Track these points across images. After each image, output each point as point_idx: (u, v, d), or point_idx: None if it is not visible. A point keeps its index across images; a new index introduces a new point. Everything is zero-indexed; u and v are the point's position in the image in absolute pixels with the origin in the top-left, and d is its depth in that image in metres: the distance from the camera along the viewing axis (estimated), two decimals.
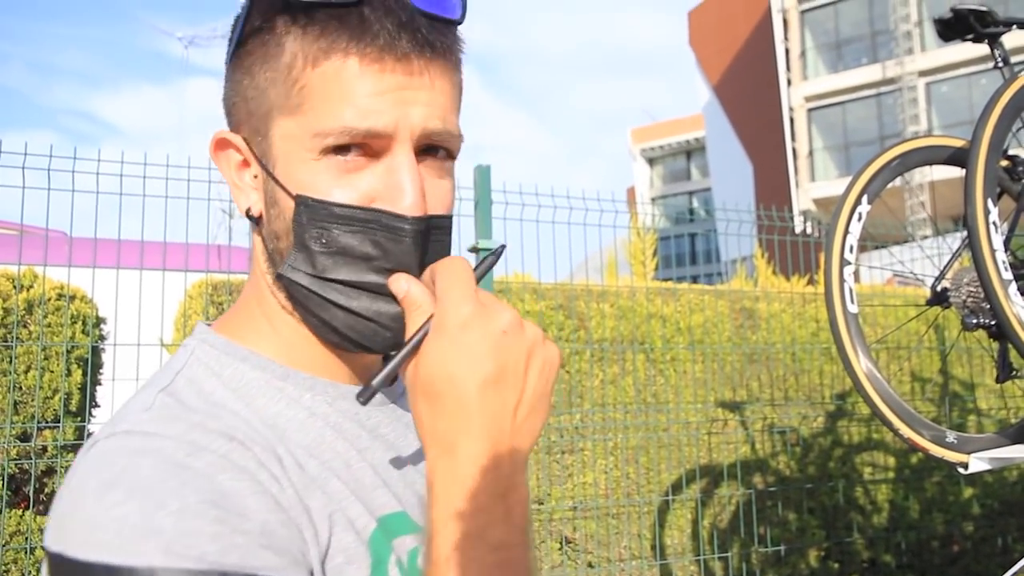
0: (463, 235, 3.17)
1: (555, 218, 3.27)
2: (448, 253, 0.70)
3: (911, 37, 22.54)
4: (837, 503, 3.98)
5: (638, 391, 3.69)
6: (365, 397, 0.62)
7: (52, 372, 2.78)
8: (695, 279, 31.57)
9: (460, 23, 0.69)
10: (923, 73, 22.44)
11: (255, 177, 0.69)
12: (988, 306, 1.93)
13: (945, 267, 2.19)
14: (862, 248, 2.22)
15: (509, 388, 0.59)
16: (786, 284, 4.71)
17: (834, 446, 4.06)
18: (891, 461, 4.19)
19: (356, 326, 0.66)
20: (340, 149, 0.64)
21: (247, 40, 0.67)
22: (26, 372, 2.75)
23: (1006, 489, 4.37)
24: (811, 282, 4.79)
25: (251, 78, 0.67)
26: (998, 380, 2.17)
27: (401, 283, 0.64)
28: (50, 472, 2.74)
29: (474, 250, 3.14)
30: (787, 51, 24.45)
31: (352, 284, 0.65)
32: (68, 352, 2.80)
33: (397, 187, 0.64)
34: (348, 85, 0.63)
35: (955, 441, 2.06)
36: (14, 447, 2.69)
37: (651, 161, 44.24)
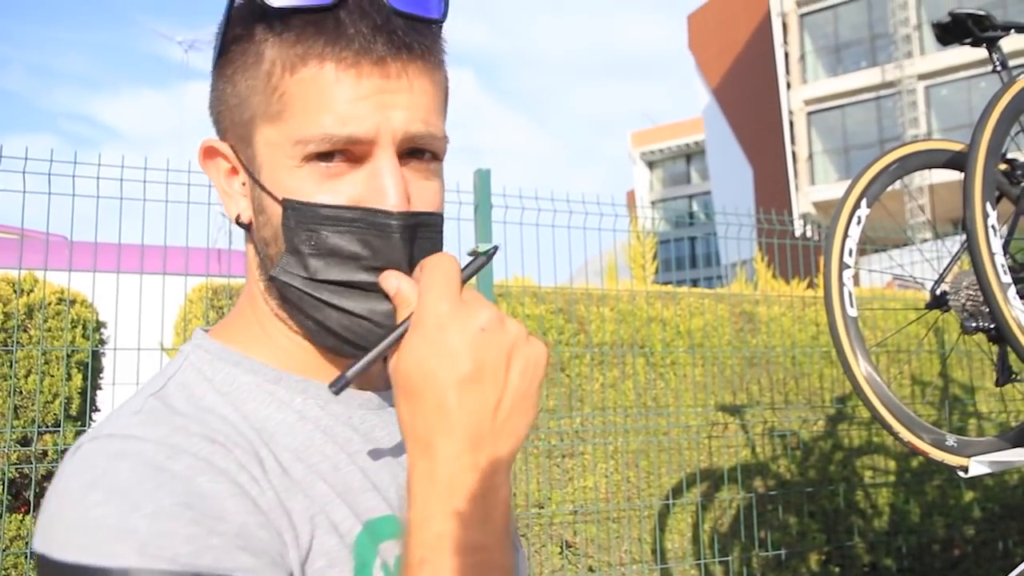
0: (463, 239, 3.17)
1: (555, 222, 3.27)
2: (439, 251, 0.70)
3: (910, 40, 22.58)
4: (838, 507, 3.98)
5: (638, 395, 3.69)
6: (337, 387, 0.61)
7: (52, 376, 2.78)
8: (695, 283, 31.58)
9: (441, 22, 0.68)
10: (922, 76, 22.47)
11: (243, 184, 0.69)
12: (987, 309, 1.94)
13: (944, 270, 2.19)
14: (862, 251, 2.23)
15: (488, 387, 0.58)
16: (786, 287, 4.71)
17: (835, 450, 4.06)
18: (892, 465, 4.19)
19: (351, 325, 0.66)
20: (322, 156, 0.64)
21: (228, 48, 0.68)
22: (26, 376, 2.75)
23: (1007, 493, 4.37)
24: (811, 285, 4.79)
25: (233, 86, 0.67)
26: (998, 384, 2.17)
27: (391, 280, 0.64)
28: (50, 477, 2.74)
29: (473, 254, 3.14)
30: (786, 55, 24.48)
31: (344, 284, 0.65)
32: (68, 356, 2.80)
33: (380, 190, 0.65)
34: (326, 91, 0.63)
35: (955, 445, 2.06)
36: (14, 451, 2.69)
37: (651, 164, 44.28)
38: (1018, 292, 1.91)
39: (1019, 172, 2.21)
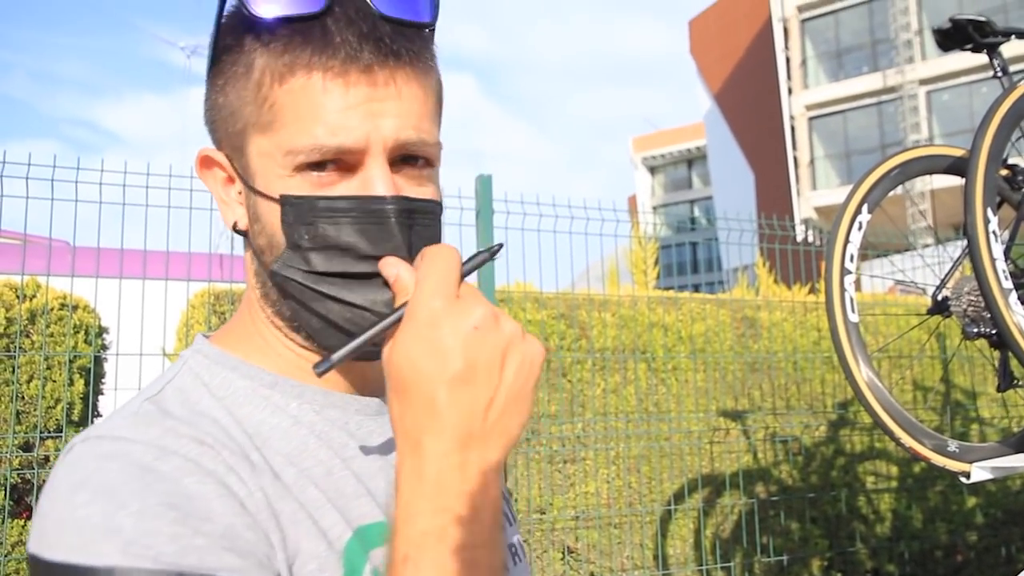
0: (465, 244, 3.18)
1: (556, 227, 3.27)
2: (440, 240, 0.70)
3: (911, 46, 22.60)
4: (840, 512, 3.97)
5: (640, 400, 3.68)
6: (321, 369, 0.61)
7: (55, 382, 2.78)
8: (696, 288, 31.55)
9: (431, 26, 0.68)
10: (924, 81, 22.49)
11: (239, 192, 0.70)
12: (989, 315, 1.94)
13: (946, 276, 2.20)
14: (863, 257, 2.23)
15: (480, 386, 0.57)
16: (788, 293, 4.71)
17: (836, 455, 4.05)
18: (894, 470, 4.18)
19: (353, 318, 0.66)
20: (314, 165, 0.65)
21: (220, 59, 0.68)
22: (29, 382, 2.75)
23: (1010, 498, 4.36)
24: (813, 291, 4.79)
25: (225, 96, 0.68)
26: (999, 389, 2.17)
27: (391, 267, 0.63)
28: None
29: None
30: (788, 60, 24.51)
31: (344, 275, 0.65)
32: (71, 362, 2.80)
33: (370, 189, 0.65)
34: (315, 101, 0.63)
35: (957, 450, 2.06)
36: (16, 457, 2.69)
37: (652, 170, 44.31)
38: (1019, 297, 1.91)
39: (1020, 178, 2.21)
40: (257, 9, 0.63)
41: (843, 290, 2.10)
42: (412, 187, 0.68)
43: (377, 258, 0.65)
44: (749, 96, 27.10)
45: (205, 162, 0.71)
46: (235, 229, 0.71)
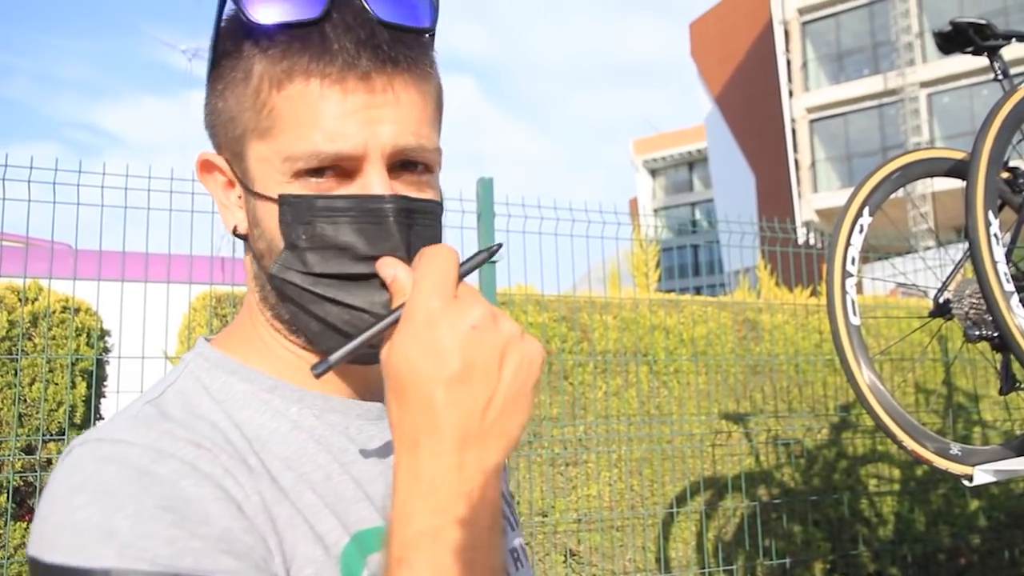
0: (466, 247, 3.18)
1: (557, 230, 3.28)
2: (440, 240, 0.70)
3: (912, 48, 22.62)
4: (842, 515, 3.96)
5: (641, 403, 3.68)
6: (319, 371, 0.61)
7: (57, 385, 2.79)
8: (698, 290, 31.57)
9: (430, 31, 0.68)
10: (924, 84, 22.50)
11: (239, 197, 0.70)
12: (990, 318, 1.94)
13: (947, 279, 2.20)
14: (864, 259, 2.23)
15: (478, 386, 0.56)
16: (789, 295, 4.71)
17: (839, 458, 4.05)
18: (896, 473, 4.17)
19: (352, 320, 0.66)
20: (312, 172, 0.65)
21: (219, 64, 0.68)
22: (31, 385, 2.76)
23: (1012, 501, 4.35)
24: (814, 293, 4.79)
25: (224, 102, 0.68)
26: (1001, 392, 2.17)
27: (388, 268, 0.63)
28: None
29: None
30: (788, 62, 24.53)
31: (343, 276, 0.65)
32: (73, 365, 2.81)
33: (368, 191, 0.65)
34: (313, 107, 0.63)
35: (959, 453, 2.06)
36: (19, 460, 2.70)
37: (653, 172, 44.32)
38: (1021, 300, 1.91)
39: (1021, 180, 2.21)
40: (256, 15, 0.63)
41: (844, 293, 2.10)
42: (411, 192, 0.67)
43: (375, 258, 0.65)
44: (750, 98, 27.12)
45: (205, 166, 0.71)
46: (235, 233, 0.71)
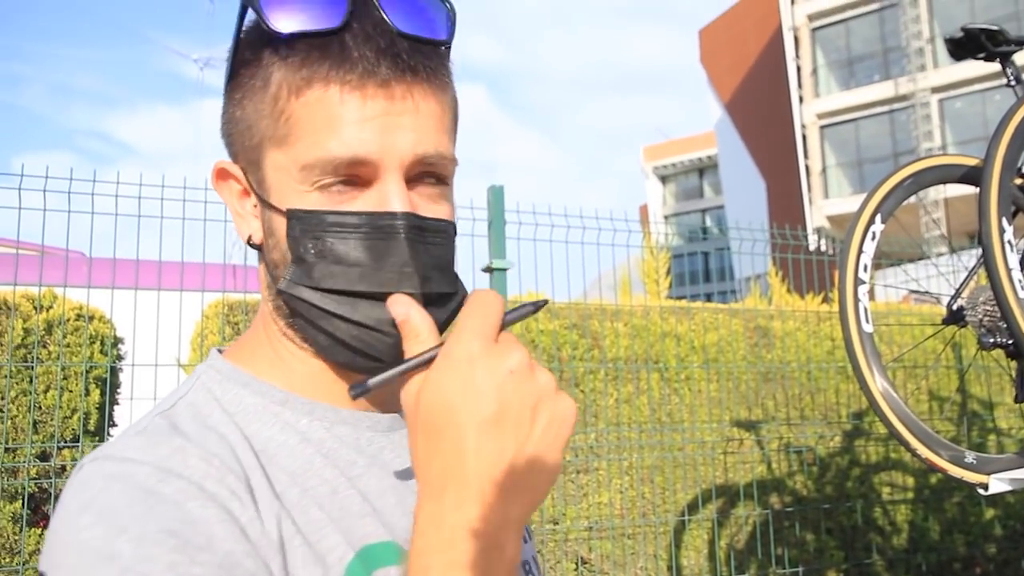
0: (477, 255, 3.19)
1: (568, 237, 3.28)
2: (452, 259, 0.70)
3: (923, 54, 22.53)
4: (856, 524, 3.94)
5: (653, 410, 3.67)
6: (357, 392, 0.60)
7: (71, 392, 2.81)
8: (709, 297, 31.46)
9: (447, 43, 0.69)
10: (936, 89, 22.40)
11: (255, 206, 0.70)
12: (1005, 325, 1.92)
13: (961, 286, 2.18)
14: (877, 266, 2.22)
15: (509, 434, 0.55)
16: (801, 302, 4.69)
17: (852, 466, 4.02)
18: (910, 481, 4.14)
19: (360, 335, 0.66)
20: (331, 180, 0.65)
21: (238, 72, 0.68)
22: (45, 392, 2.78)
23: None
24: (826, 300, 4.77)
25: (242, 110, 0.68)
26: (1017, 400, 2.15)
27: (400, 307, 0.62)
28: None
29: (488, 270, 3.15)
30: (799, 68, 24.48)
31: (351, 293, 0.65)
32: (87, 372, 2.83)
33: (385, 204, 0.65)
34: (331, 114, 0.63)
35: (974, 461, 2.04)
36: (34, 466, 2.71)
37: (664, 179, 44.29)
38: None
39: None
40: (276, 24, 0.64)
41: (857, 300, 2.09)
42: (427, 205, 0.68)
43: (385, 274, 0.64)
44: (760, 105, 27.08)
45: (221, 174, 0.72)
46: (250, 242, 0.71)
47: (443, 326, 0.69)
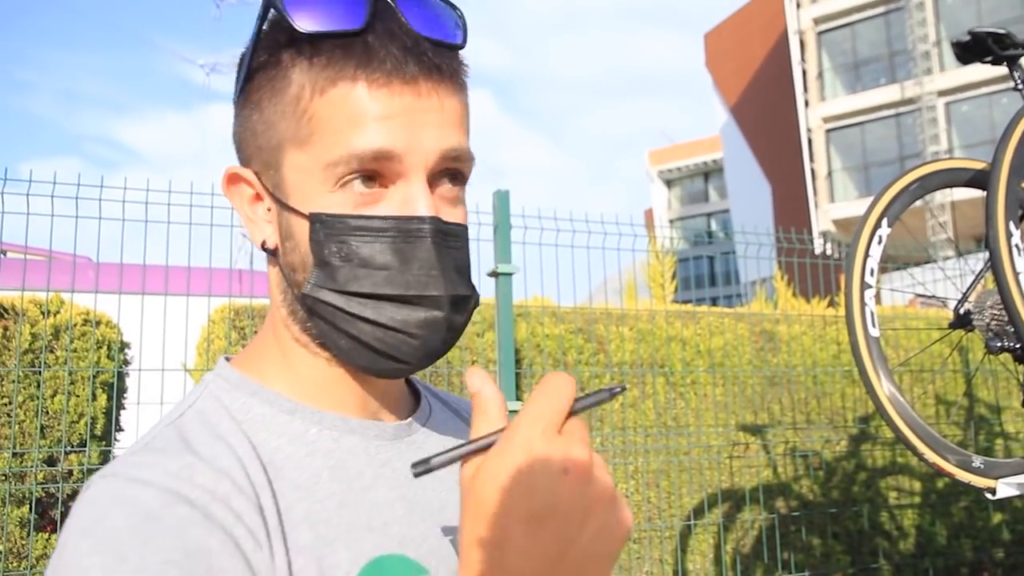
0: (482, 259, 3.19)
1: (573, 242, 3.28)
2: (468, 263, 0.70)
3: (929, 57, 22.48)
4: (862, 528, 3.92)
5: (658, 414, 3.67)
6: (420, 470, 0.57)
7: (78, 397, 2.82)
8: (714, 301, 31.43)
9: (462, 48, 0.69)
10: (942, 93, 22.35)
11: (268, 210, 0.70)
12: (1012, 329, 1.92)
13: (968, 289, 2.18)
14: (883, 269, 2.21)
15: (553, 535, 0.52)
16: (806, 306, 4.68)
17: (858, 470, 4.01)
18: (917, 485, 4.12)
19: (385, 338, 0.65)
20: (354, 178, 0.65)
21: (254, 75, 0.68)
22: (53, 397, 2.79)
23: None
24: (832, 304, 4.76)
25: (260, 112, 0.67)
26: None
27: (475, 378, 0.59)
28: (76, 496, 2.77)
29: (493, 274, 3.15)
30: (804, 72, 24.46)
31: (376, 296, 0.65)
32: (94, 377, 2.84)
33: (411, 205, 0.65)
34: (356, 111, 0.64)
35: (982, 466, 2.03)
36: (41, 471, 2.72)
37: (669, 183, 44.27)
38: None
39: None
40: (300, 24, 0.64)
41: (863, 305, 2.09)
42: (446, 208, 0.68)
43: (410, 276, 0.65)
44: (766, 109, 27.05)
45: (232, 179, 0.71)
46: (264, 247, 0.71)
47: (461, 329, 0.69)
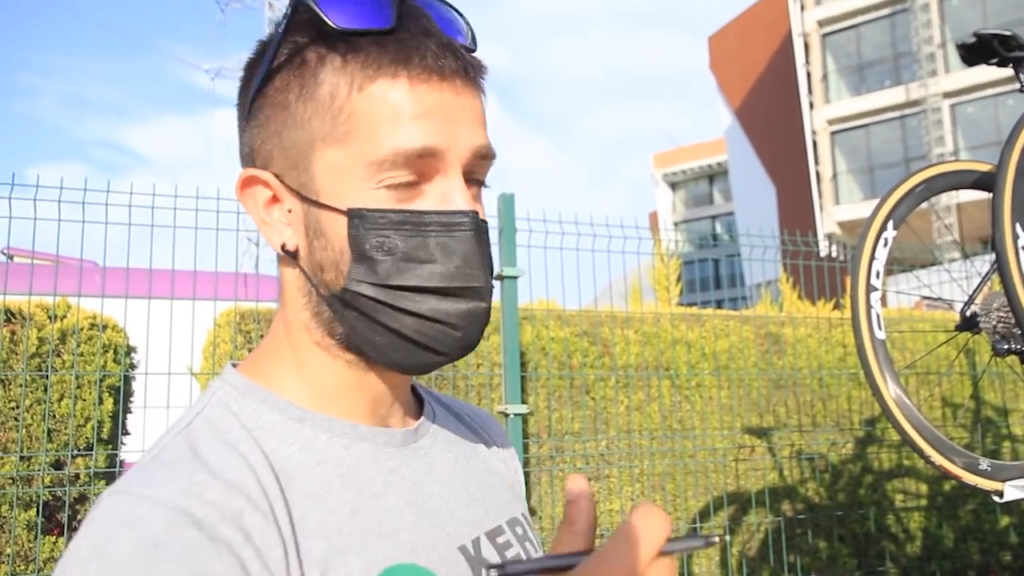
0: None
1: (578, 245, 3.28)
2: (491, 260, 0.70)
3: (934, 59, 22.44)
4: (868, 531, 3.91)
5: (664, 417, 3.66)
6: (496, 574, 0.56)
7: (85, 400, 2.83)
8: (719, 303, 31.36)
9: (472, 51, 0.70)
10: (948, 95, 22.30)
11: (288, 212, 0.68)
12: (1019, 331, 1.91)
13: (974, 292, 2.17)
14: (889, 272, 2.21)
15: None
16: (812, 309, 4.67)
17: (864, 473, 4.00)
18: (923, 488, 4.11)
19: (425, 330, 0.66)
20: (397, 174, 0.65)
21: (274, 77, 0.67)
22: (59, 400, 2.80)
23: None
24: (837, 306, 4.75)
25: (285, 112, 0.66)
26: None
27: (576, 487, 0.58)
28: (83, 499, 2.78)
29: (498, 278, 3.16)
30: (809, 74, 24.43)
31: (421, 289, 0.65)
32: (100, 381, 2.85)
33: (450, 199, 0.66)
34: (398, 107, 0.64)
35: (989, 469, 2.03)
36: (48, 475, 2.73)
37: (673, 186, 44.24)
38: None
39: None
40: (335, 20, 0.64)
41: (869, 307, 2.08)
42: (474, 204, 0.69)
43: (451, 268, 0.65)
44: (770, 111, 27.02)
45: (248, 182, 0.70)
46: (284, 249, 0.69)
47: (485, 317, 0.70)
